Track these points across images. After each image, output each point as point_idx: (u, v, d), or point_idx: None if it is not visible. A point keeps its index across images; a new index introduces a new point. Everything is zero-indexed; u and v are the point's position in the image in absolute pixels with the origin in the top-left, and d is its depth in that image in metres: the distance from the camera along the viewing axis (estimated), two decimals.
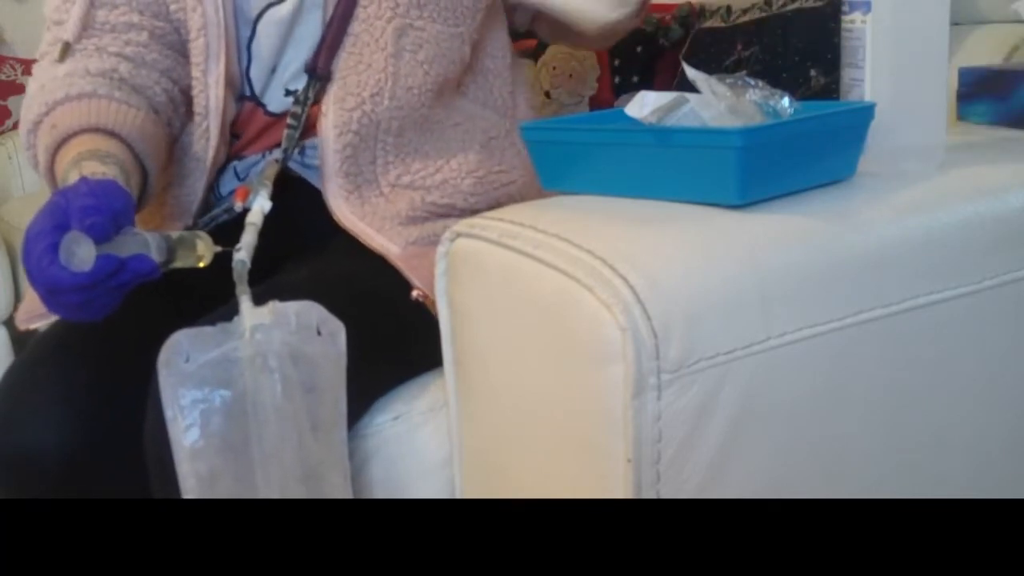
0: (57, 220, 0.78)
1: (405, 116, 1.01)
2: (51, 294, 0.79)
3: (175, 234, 0.83)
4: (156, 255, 0.81)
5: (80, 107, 0.96)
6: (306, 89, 1.02)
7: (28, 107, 1.00)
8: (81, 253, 0.76)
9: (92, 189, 0.80)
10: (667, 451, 0.67)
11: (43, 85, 1.00)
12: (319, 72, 1.01)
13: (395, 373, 0.95)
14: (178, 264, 0.83)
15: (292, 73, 1.04)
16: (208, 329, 0.78)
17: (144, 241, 0.80)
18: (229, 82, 1.03)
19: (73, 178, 0.87)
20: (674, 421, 0.67)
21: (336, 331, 0.80)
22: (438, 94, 1.04)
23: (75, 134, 0.95)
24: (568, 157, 0.82)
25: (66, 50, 1.01)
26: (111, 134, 0.95)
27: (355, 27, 1.01)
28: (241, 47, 1.03)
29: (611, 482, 0.68)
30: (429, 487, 0.90)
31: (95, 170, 0.87)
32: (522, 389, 0.74)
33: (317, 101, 1.01)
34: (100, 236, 0.77)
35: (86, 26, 1.01)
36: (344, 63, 1.00)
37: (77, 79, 0.99)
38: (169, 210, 1.06)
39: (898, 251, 0.76)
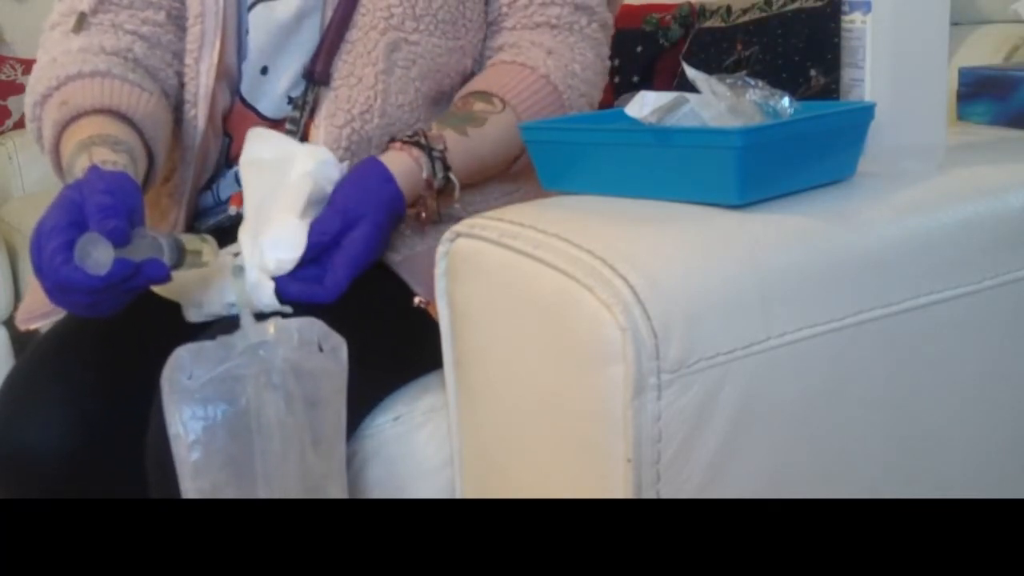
0: (72, 216, 0.77)
1: (397, 131, 1.00)
2: (60, 292, 0.78)
3: (183, 237, 0.83)
4: (168, 259, 0.80)
5: (93, 86, 0.95)
6: (304, 94, 1.01)
7: (38, 79, 0.98)
8: (97, 255, 0.75)
9: (109, 186, 0.79)
10: (667, 451, 0.67)
11: (55, 58, 0.98)
12: (317, 76, 1.00)
13: (396, 378, 0.95)
14: (184, 268, 0.83)
15: (291, 80, 1.02)
16: (209, 344, 0.77)
17: (157, 245, 0.80)
18: (223, 73, 1.02)
19: (82, 163, 0.86)
20: (674, 421, 0.67)
21: (338, 346, 0.80)
22: (434, 103, 1.04)
23: (86, 113, 0.93)
24: (568, 157, 0.82)
25: (82, 21, 0.99)
26: (122, 117, 0.94)
27: (352, 34, 0.99)
28: (242, 38, 1.02)
29: (611, 482, 0.68)
30: (429, 487, 0.90)
31: (106, 158, 0.87)
32: (522, 389, 0.74)
33: (315, 108, 1.00)
34: (120, 241, 0.76)
35: None
36: (340, 71, 0.99)
37: (91, 56, 0.97)
38: (164, 201, 1.05)
39: (898, 251, 0.76)
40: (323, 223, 0.87)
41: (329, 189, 0.90)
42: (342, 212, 0.88)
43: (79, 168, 0.85)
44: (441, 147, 0.94)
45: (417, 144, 0.94)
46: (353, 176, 0.91)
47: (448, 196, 0.95)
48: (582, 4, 1.04)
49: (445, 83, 1.04)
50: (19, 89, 2.39)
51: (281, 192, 0.88)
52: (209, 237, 0.85)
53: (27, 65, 2.41)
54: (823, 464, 0.74)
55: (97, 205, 0.77)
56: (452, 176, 0.94)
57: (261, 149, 0.93)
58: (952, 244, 0.78)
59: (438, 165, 0.93)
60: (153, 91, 0.98)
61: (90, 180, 0.80)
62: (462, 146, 0.96)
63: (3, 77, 2.40)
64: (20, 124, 2.37)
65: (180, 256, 0.81)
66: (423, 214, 0.95)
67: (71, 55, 0.97)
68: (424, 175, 0.93)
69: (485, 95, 1.00)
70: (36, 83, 0.98)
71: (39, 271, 0.78)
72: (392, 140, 0.96)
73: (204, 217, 1.07)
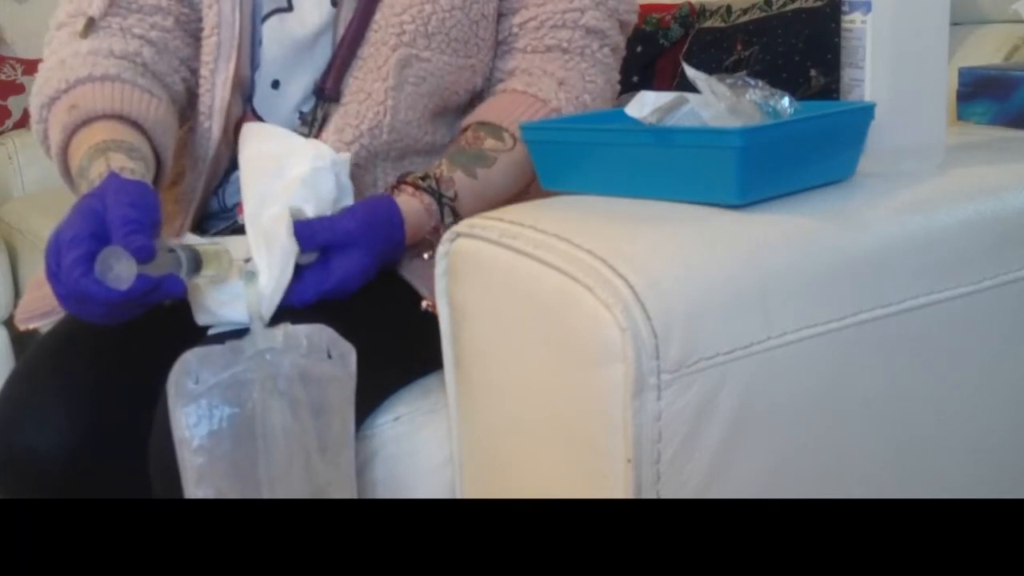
0: (93, 227, 0.77)
1: (405, 146, 1.00)
2: (76, 302, 0.77)
3: (200, 248, 0.82)
4: (185, 273, 0.79)
5: (104, 90, 0.94)
6: (314, 110, 1.00)
7: (45, 80, 0.97)
8: (120, 270, 0.74)
9: (134, 199, 0.78)
10: (667, 451, 0.67)
11: (63, 60, 0.97)
12: (327, 93, 0.99)
13: (398, 379, 0.95)
14: (200, 279, 0.82)
15: (303, 95, 1.02)
16: (217, 348, 0.77)
17: (176, 259, 0.79)
18: (238, 83, 1.02)
19: (98, 168, 0.85)
20: (674, 421, 0.67)
21: (346, 353, 0.80)
22: (439, 116, 1.03)
23: (96, 118, 0.93)
24: (568, 157, 0.82)
25: (90, 26, 0.98)
26: (133, 124, 0.93)
27: (364, 51, 0.99)
28: (255, 48, 1.02)
29: (611, 482, 0.68)
30: (430, 487, 0.91)
31: (123, 164, 0.86)
32: (522, 389, 0.74)
33: (324, 124, 1.00)
34: (145, 259, 0.76)
35: (112, 2, 0.99)
36: (350, 87, 0.99)
37: (101, 59, 0.96)
38: (169, 207, 1.05)
39: (898, 251, 0.76)
40: (337, 222, 0.87)
41: (323, 192, 0.89)
42: (362, 223, 0.88)
43: (95, 173, 0.85)
44: (452, 194, 0.94)
45: (429, 190, 0.94)
46: (376, 205, 0.91)
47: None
48: (594, 28, 1.03)
49: (453, 100, 1.04)
50: (19, 89, 2.39)
51: (272, 199, 0.87)
52: (223, 248, 0.84)
53: (27, 65, 2.41)
54: (823, 464, 0.74)
55: (122, 219, 0.77)
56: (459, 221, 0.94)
57: (261, 145, 0.92)
58: (952, 244, 0.78)
59: (447, 211, 0.94)
60: (162, 97, 0.98)
61: (112, 190, 0.79)
62: (471, 190, 0.96)
63: (3, 77, 2.39)
64: (20, 124, 2.36)
65: (197, 268, 0.81)
66: (426, 255, 0.95)
67: (80, 57, 0.97)
68: (432, 223, 0.93)
69: (496, 129, 0.99)
70: (44, 85, 0.97)
71: (55, 279, 0.77)
72: (403, 180, 0.95)
73: (209, 221, 1.07)
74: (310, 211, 0.87)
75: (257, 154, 0.92)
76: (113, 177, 0.81)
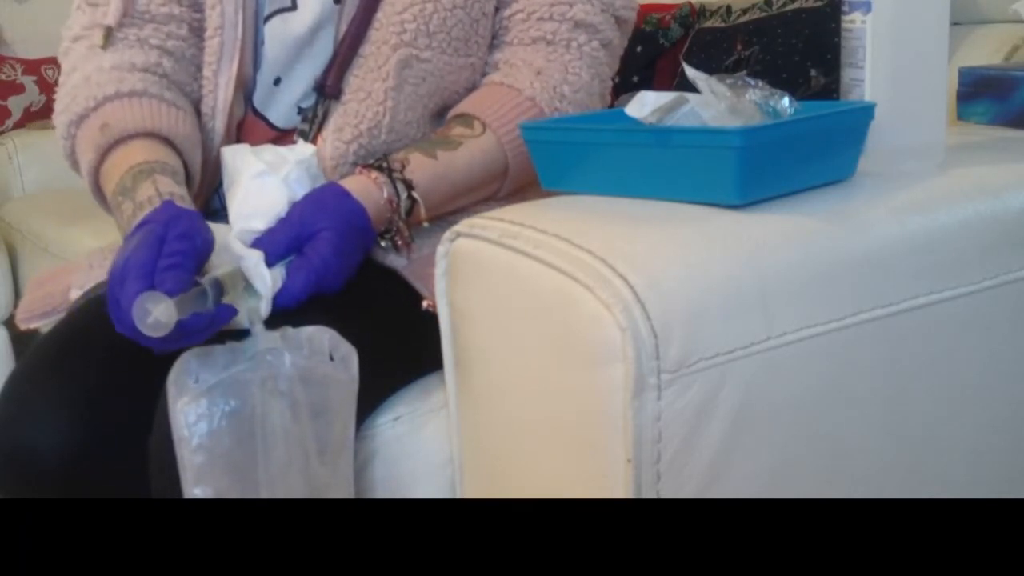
0: (157, 255, 0.78)
1: (404, 146, 0.99)
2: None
3: (222, 274, 0.81)
4: (210, 305, 0.79)
5: (133, 107, 0.95)
6: (314, 107, 1.00)
7: (72, 98, 0.97)
8: (158, 314, 0.73)
9: (184, 231, 0.79)
10: (667, 451, 0.67)
11: (88, 76, 0.98)
12: (328, 91, 0.99)
13: (398, 379, 0.95)
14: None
15: (303, 91, 1.02)
16: (218, 348, 0.77)
17: (203, 293, 0.78)
18: (240, 83, 1.02)
19: (146, 191, 0.86)
20: (674, 421, 0.67)
21: (348, 356, 0.80)
22: (438, 117, 1.03)
23: (130, 137, 0.94)
24: (568, 157, 0.82)
25: (108, 35, 0.99)
26: (165, 140, 0.94)
27: (365, 49, 0.99)
28: (257, 48, 1.02)
29: (611, 482, 0.68)
30: (430, 487, 0.91)
31: (172, 190, 0.87)
32: (522, 389, 0.74)
33: (324, 121, 1.00)
34: (175, 293, 0.76)
35: (126, 12, 1.00)
36: (350, 85, 0.99)
37: (125, 74, 0.97)
38: None
39: (898, 251, 0.76)
40: (274, 233, 0.87)
41: (267, 198, 0.89)
42: (297, 223, 0.87)
43: (143, 196, 0.86)
44: (399, 166, 0.93)
45: (377, 167, 0.93)
46: (308, 196, 0.90)
47: (415, 218, 0.94)
48: (583, 21, 1.02)
49: (452, 99, 1.03)
50: (19, 89, 2.39)
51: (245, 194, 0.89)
52: (237, 267, 0.84)
53: (27, 65, 2.40)
54: (823, 464, 0.74)
55: (167, 252, 0.77)
56: (416, 195, 0.93)
57: (239, 167, 0.92)
58: (952, 244, 0.78)
59: (400, 185, 0.92)
60: (188, 110, 0.99)
61: (170, 219, 0.80)
62: (430, 168, 0.95)
63: (3, 77, 2.39)
64: (20, 124, 2.36)
65: (220, 295, 0.80)
66: (399, 241, 0.94)
67: (105, 73, 0.97)
68: (385, 194, 0.92)
69: (467, 118, 0.99)
70: (71, 103, 0.97)
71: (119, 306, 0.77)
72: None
73: (210, 220, 1.07)
74: (259, 224, 0.88)
75: (232, 184, 0.92)
76: (170, 205, 0.82)
